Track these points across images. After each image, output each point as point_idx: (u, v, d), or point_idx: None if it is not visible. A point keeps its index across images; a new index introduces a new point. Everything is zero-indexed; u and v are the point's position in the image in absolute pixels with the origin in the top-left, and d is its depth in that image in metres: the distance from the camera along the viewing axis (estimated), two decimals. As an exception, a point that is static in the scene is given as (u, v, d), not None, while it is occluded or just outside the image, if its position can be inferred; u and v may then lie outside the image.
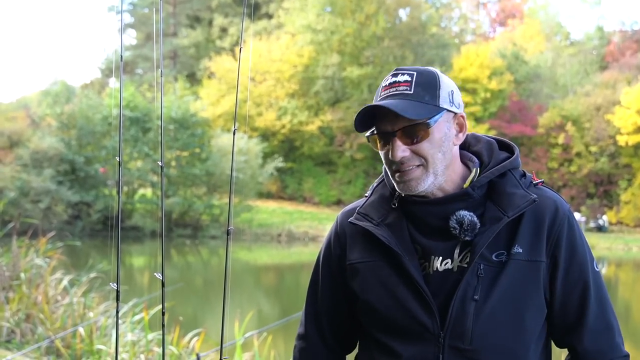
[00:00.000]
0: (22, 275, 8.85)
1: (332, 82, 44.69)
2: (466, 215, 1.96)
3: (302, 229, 38.19)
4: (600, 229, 40.90)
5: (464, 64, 44.77)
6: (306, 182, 45.17)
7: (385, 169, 2.10)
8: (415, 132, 1.95)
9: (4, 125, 35.05)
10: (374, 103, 1.98)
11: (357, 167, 45.01)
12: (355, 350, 2.27)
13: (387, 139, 1.99)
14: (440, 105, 1.97)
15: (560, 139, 43.32)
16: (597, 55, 52.42)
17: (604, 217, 42.07)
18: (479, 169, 2.06)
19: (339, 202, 44.20)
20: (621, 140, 40.84)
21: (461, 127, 2.04)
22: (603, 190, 43.83)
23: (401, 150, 1.96)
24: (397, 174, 2.00)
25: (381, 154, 2.04)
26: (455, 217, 1.96)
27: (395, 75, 2.01)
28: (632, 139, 40.32)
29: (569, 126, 43.15)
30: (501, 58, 46.75)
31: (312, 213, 41.60)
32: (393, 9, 46.38)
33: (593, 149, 42.97)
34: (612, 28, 56.97)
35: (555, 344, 2.10)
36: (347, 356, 2.33)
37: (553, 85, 49.05)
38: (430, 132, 1.95)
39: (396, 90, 1.98)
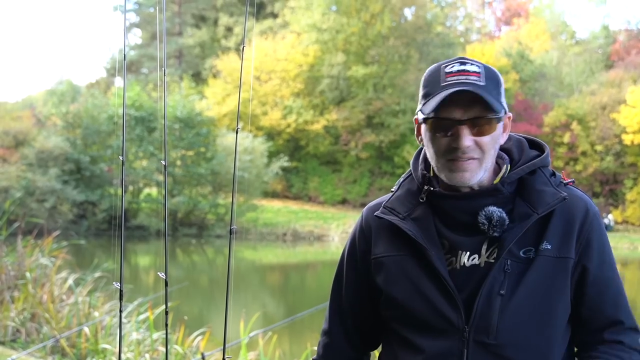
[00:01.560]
0: (28, 274, 8.86)
1: (337, 81, 44.67)
2: (495, 211, 1.95)
3: (308, 228, 38.19)
4: (605, 228, 40.45)
5: (469, 63, 44.63)
6: (311, 181, 45.17)
7: (415, 161, 2.12)
8: (484, 124, 1.94)
9: (9, 125, 35.11)
10: (457, 88, 1.91)
11: (362, 167, 44.98)
12: (380, 349, 2.26)
13: (449, 127, 1.95)
14: (502, 104, 1.98)
15: (566, 138, 43.24)
16: (602, 54, 52.32)
17: (610, 216, 41.98)
18: (509, 165, 2.06)
19: (344, 202, 44.21)
20: (627, 139, 40.75)
21: (505, 128, 2.04)
22: (609, 189, 43.75)
23: (468, 139, 1.93)
24: (452, 163, 1.96)
25: (431, 141, 1.99)
26: (484, 213, 1.96)
27: (463, 63, 1.97)
28: (638, 138, 40.22)
29: (575, 125, 43.06)
30: (506, 57, 46.68)
31: (317, 212, 41.58)
32: (398, 8, 46.32)
33: (598, 148, 42.87)
34: (617, 27, 56.81)
35: (580, 347, 2.06)
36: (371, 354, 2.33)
37: (558, 84, 48.97)
38: (494, 127, 1.95)
39: (467, 79, 1.94)
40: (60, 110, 35.69)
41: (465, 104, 1.91)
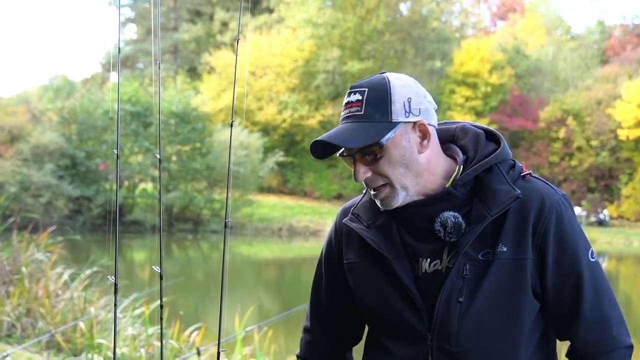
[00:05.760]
0: (23, 269, 8.85)
1: (332, 76, 44.67)
2: (450, 216, 1.92)
3: (303, 223, 38.22)
4: (601, 223, 40.90)
5: (464, 58, 44.73)
6: (307, 176, 45.18)
7: None
8: (370, 153, 1.92)
9: (4, 120, 35.02)
10: (320, 137, 1.92)
11: (357, 162, 44.96)
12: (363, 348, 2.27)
13: (350, 158, 1.97)
14: (394, 120, 1.91)
15: (561, 133, 43.33)
16: (598, 49, 52.36)
17: (605, 212, 42.08)
18: (462, 166, 2.00)
19: (339, 197, 44.22)
20: (622, 134, 40.86)
21: (424, 134, 1.94)
22: (604, 184, 43.84)
23: (362, 172, 1.94)
24: (371, 192, 1.99)
25: (353, 172, 2.00)
26: (439, 220, 1.92)
27: (349, 94, 1.97)
28: (633, 133, 40.33)
29: (570, 120, 43.14)
30: (502, 52, 46.71)
31: (313, 207, 41.60)
32: (394, 3, 46.32)
33: (594, 143, 42.97)
34: (613, 22, 57.08)
35: (557, 338, 2.06)
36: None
37: (554, 80, 49.02)
38: (385, 150, 1.91)
39: (349, 112, 1.94)
40: (55, 106, 35.65)
41: None
